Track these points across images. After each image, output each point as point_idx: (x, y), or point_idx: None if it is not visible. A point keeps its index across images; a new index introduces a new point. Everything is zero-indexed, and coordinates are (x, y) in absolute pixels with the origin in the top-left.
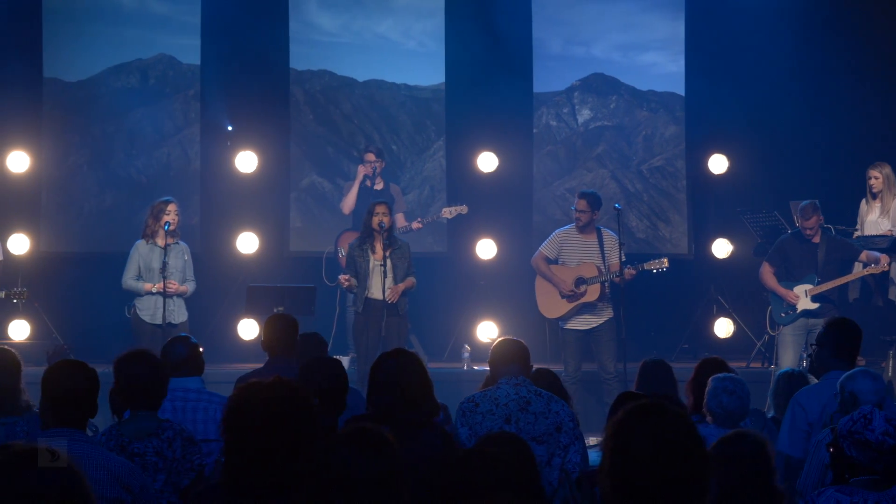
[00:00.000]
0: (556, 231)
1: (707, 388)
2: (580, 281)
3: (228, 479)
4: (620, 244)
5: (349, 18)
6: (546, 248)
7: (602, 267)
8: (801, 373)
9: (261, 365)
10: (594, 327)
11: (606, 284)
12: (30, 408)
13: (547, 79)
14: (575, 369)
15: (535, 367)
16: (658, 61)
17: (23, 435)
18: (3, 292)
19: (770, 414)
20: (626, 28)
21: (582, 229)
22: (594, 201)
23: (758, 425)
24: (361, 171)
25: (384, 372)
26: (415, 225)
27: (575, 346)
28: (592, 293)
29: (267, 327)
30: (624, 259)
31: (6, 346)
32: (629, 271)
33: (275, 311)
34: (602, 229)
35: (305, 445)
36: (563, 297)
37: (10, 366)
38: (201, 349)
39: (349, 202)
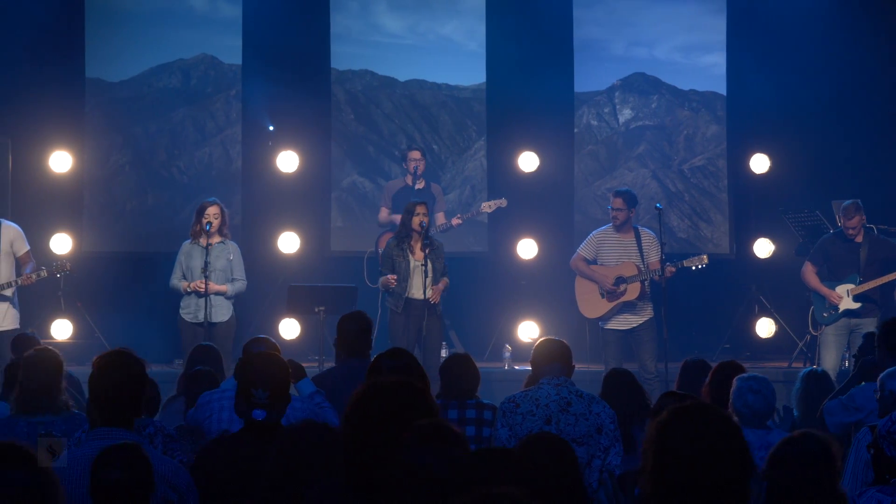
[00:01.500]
0: (593, 232)
1: (732, 389)
2: (620, 280)
3: (350, 478)
4: (661, 243)
5: (416, 20)
6: (584, 250)
7: (641, 266)
8: (824, 372)
9: (315, 364)
10: (634, 327)
11: (646, 283)
12: (68, 408)
13: (588, 78)
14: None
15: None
16: (700, 60)
17: (59, 434)
18: (45, 270)
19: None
20: (670, 27)
21: (619, 228)
22: (630, 199)
23: (786, 423)
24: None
25: (381, 371)
26: (455, 221)
27: (615, 347)
28: (632, 292)
29: (341, 326)
30: (663, 257)
31: (48, 346)
32: (669, 269)
33: (315, 310)
34: (640, 228)
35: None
36: (603, 296)
37: (51, 365)
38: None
39: (383, 219)
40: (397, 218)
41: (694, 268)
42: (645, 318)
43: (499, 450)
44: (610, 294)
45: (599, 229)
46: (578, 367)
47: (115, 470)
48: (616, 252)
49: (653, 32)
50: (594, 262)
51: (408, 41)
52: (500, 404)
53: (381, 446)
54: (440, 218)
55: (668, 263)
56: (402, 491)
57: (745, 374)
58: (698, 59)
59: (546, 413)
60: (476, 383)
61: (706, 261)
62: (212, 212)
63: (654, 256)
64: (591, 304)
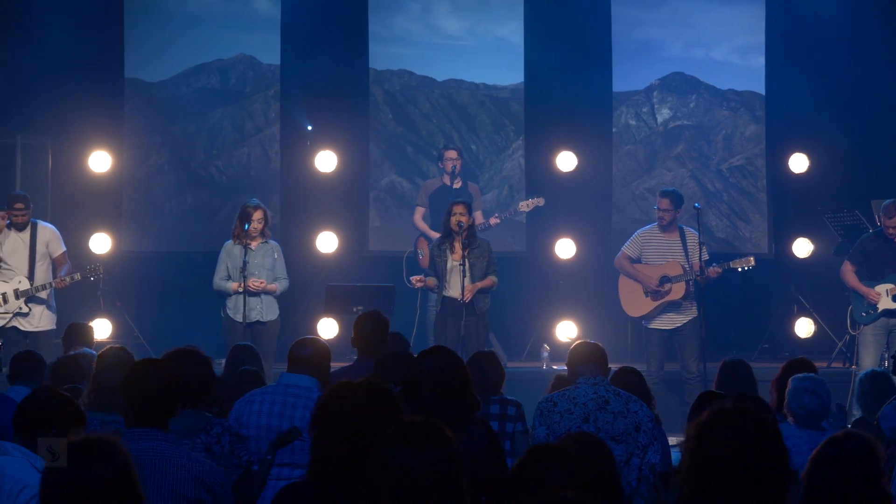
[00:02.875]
0: (638, 231)
1: (787, 389)
2: (665, 279)
3: (315, 478)
4: (701, 243)
5: (475, 22)
6: (628, 248)
7: (686, 265)
8: (884, 372)
9: (348, 363)
10: (678, 327)
11: (691, 283)
12: None
13: (626, 78)
14: (658, 369)
15: (620, 366)
16: (739, 60)
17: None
18: (78, 274)
19: (857, 416)
20: (707, 26)
21: (664, 228)
22: (676, 200)
23: (839, 423)
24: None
25: (424, 369)
26: (493, 220)
27: (658, 346)
28: (677, 291)
29: (357, 325)
30: (707, 258)
31: (121, 346)
32: (715, 269)
33: (354, 310)
34: (685, 228)
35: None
36: (647, 295)
37: (123, 365)
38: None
39: (417, 220)
40: (425, 227)
41: (741, 269)
42: (689, 318)
43: (538, 447)
44: (654, 293)
45: (644, 228)
46: (621, 365)
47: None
48: (661, 251)
49: (711, 34)
50: (638, 260)
51: (465, 42)
52: (537, 404)
53: (346, 447)
54: (478, 217)
55: (714, 264)
56: (379, 489)
57: (800, 375)
58: (717, 55)
59: (584, 411)
60: (501, 379)
61: (752, 263)
62: (256, 216)
63: (697, 256)
64: (635, 302)
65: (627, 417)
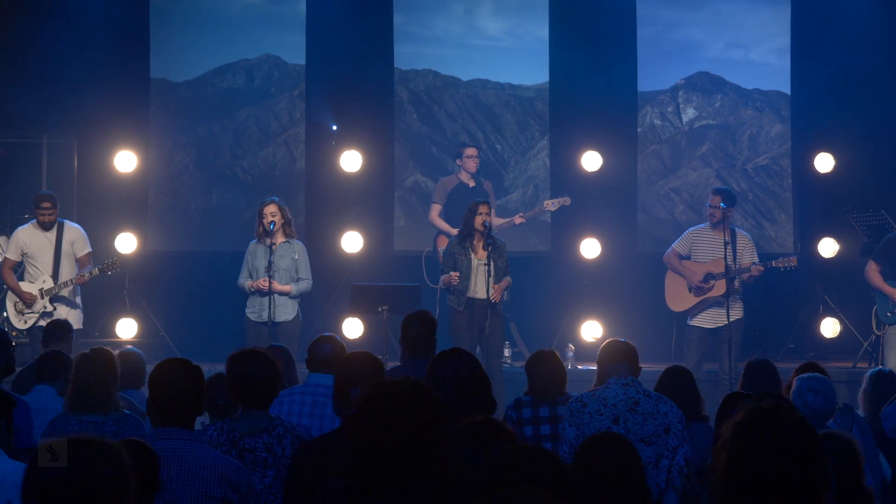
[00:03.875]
0: (690, 229)
1: (792, 388)
2: (709, 276)
3: (352, 479)
4: (751, 247)
5: (516, 23)
6: (678, 245)
7: (732, 265)
8: (889, 373)
9: (394, 363)
10: (720, 326)
11: (735, 281)
12: (118, 408)
13: (651, 77)
14: (695, 367)
15: (673, 365)
16: (764, 59)
17: (111, 435)
18: (97, 268)
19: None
20: (733, 26)
21: (715, 226)
22: (728, 198)
23: (846, 423)
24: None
25: (440, 371)
26: (517, 219)
27: (697, 345)
28: (719, 288)
29: (405, 326)
30: (756, 260)
31: (103, 347)
32: (757, 267)
33: (378, 310)
34: (737, 229)
35: (432, 446)
36: (690, 290)
37: (103, 365)
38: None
39: (433, 217)
40: (443, 225)
41: (783, 268)
42: (732, 318)
43: (538, 449)
44: (697, 289)
45: (696, 226)
46: (675, 364)
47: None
48: (709, 249)
49: (752, 35)
50: (688, 257)
51: (505, 44)
52: (567, 404)
53: (386, 446)
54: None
55: (755, 263)
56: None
57: (805, 374)
58: (742, 55)
59: (614, 413)
60: (563, 380)
61: (795, 262)
62: (269, 210)
63: (747, 258)
64: (678, 297)
65: (657, 419)
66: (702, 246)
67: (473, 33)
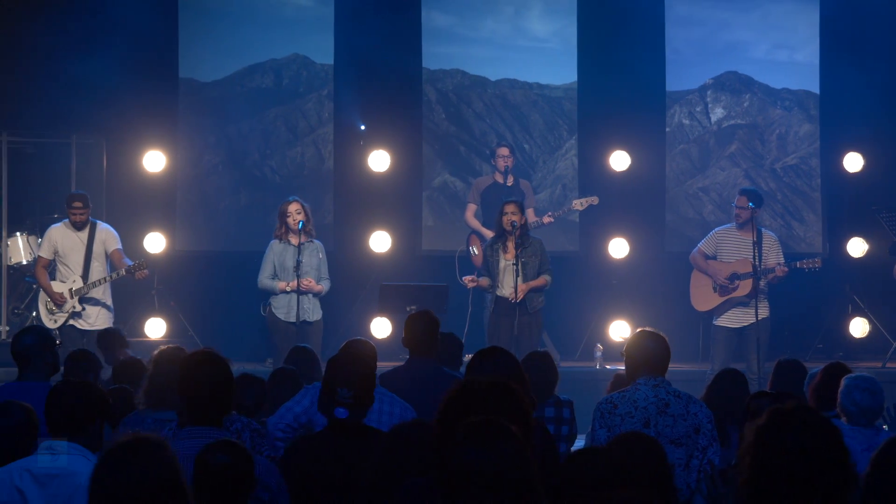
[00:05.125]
0: (715, 229)
1: (840, 388)
2: (734, 276)
3: (441, 477)
4: (777, 247)
5: (564, 24)
6: (704, 245)
7: (757, 264)
8: None
9: (399, 363)
10: (745, 326)
11: (760, 281)
12: None
13: (679, 77)
14: (721, 367)
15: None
16: (792, 58)
17: (170, 433)
18: (124, 270)
19: None
20: (762, 26)
21: (741, 227)
22: (754, 198)
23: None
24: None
25: (479, 369)
26: (546, 219)
27: (724, 344)
28: (744, 288)
29: (408, 325)
30: (782, 261)
31: (176, 345)
32: (781, 268)
33: (407, 309)
34: (763, 230)
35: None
36: (715, 290)
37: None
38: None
39: (469, 217)
40: (477, 224)
41: (807, 269)
42: (759, 318)
43: (592, 448)
44: (722, 289)
45: (722, 226)
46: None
47: (221, 455)
48: (735, 249)
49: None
50: (714, 257)
51: (551, 45)
52: (597, 405)
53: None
54: (530, 215)
55: (780, 264)
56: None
57: (853, 374)
58: (771, 54)
59: (645, 416)
60: (555, 380)
61: (819, 264)
62: (293, 209)
63: (772, 259)
64: (703, 297)
65: (687, 420)
66: (728, 246)
67: (520, 34)
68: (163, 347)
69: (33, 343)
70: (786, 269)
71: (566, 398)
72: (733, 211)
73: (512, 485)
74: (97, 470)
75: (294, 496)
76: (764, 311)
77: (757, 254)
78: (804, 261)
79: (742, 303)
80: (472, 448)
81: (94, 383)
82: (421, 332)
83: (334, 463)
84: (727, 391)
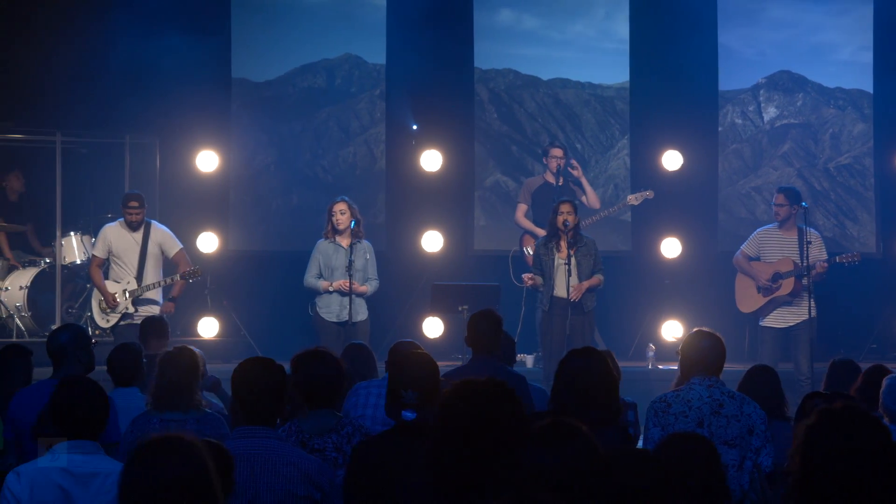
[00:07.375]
0: (757, 230)
1: (882, 388)
2: (776, 276)
3: (435, 479)
4: (821, 244)
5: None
6: (747, 247)
7: (800, 263)
8: None
9: (452, 363)
10: (791, 326)
11: (803, 279)
12: (200, 407)
13: (732, 77)
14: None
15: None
16: (846, 58)
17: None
18: (178, 275)
19: None
20: (816, 26)
21: (782, 225)
22: (792, 196)
23: None
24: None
25: (569, 370)
26: (603, 213)
27: (772, 345)
28: (787, 287)
29: (471, 324)
30: (824, 257)
31: (187, 346)
32: (821, 264)
33: (459, 309)
34: (805, 228)
35: (515, 447)
36: (759, 291)
37: (186, 364)
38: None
39: (519, 217)
40: (529, 224)
41: (846, 263)
42: (803, 318)
43: (641, 449)
44: (765, 289)
45: (764, 227)
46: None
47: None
48: (778, 249)
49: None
50: (757, 258)
51: (601, 45)
52: (650, 403)
53: (469, 446)
54: (591, 195)
55: (820, 261)
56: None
57: (894, 374)
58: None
59: (698, 416)
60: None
61: (858, 257)
62: (338, 208)
63: (815, 256)
64: (747, 298)
65: (741, 421)
66: (770, 246)
67: (605, 37)
68: (168, 349)
69: (68, 341)
70: (825, 265)
71: (631, 400)
72: (772, 210)
73: (586, 484)
74: (127, 468)
75: (359, 498)
76: (812, 311)
77: (803, 252)
78: (843, 255)
79: (786, 303)
80: (545, 449)
81: (97, 383)
82: (484, 330)
83: (402, 465)
84: (758, 387)
